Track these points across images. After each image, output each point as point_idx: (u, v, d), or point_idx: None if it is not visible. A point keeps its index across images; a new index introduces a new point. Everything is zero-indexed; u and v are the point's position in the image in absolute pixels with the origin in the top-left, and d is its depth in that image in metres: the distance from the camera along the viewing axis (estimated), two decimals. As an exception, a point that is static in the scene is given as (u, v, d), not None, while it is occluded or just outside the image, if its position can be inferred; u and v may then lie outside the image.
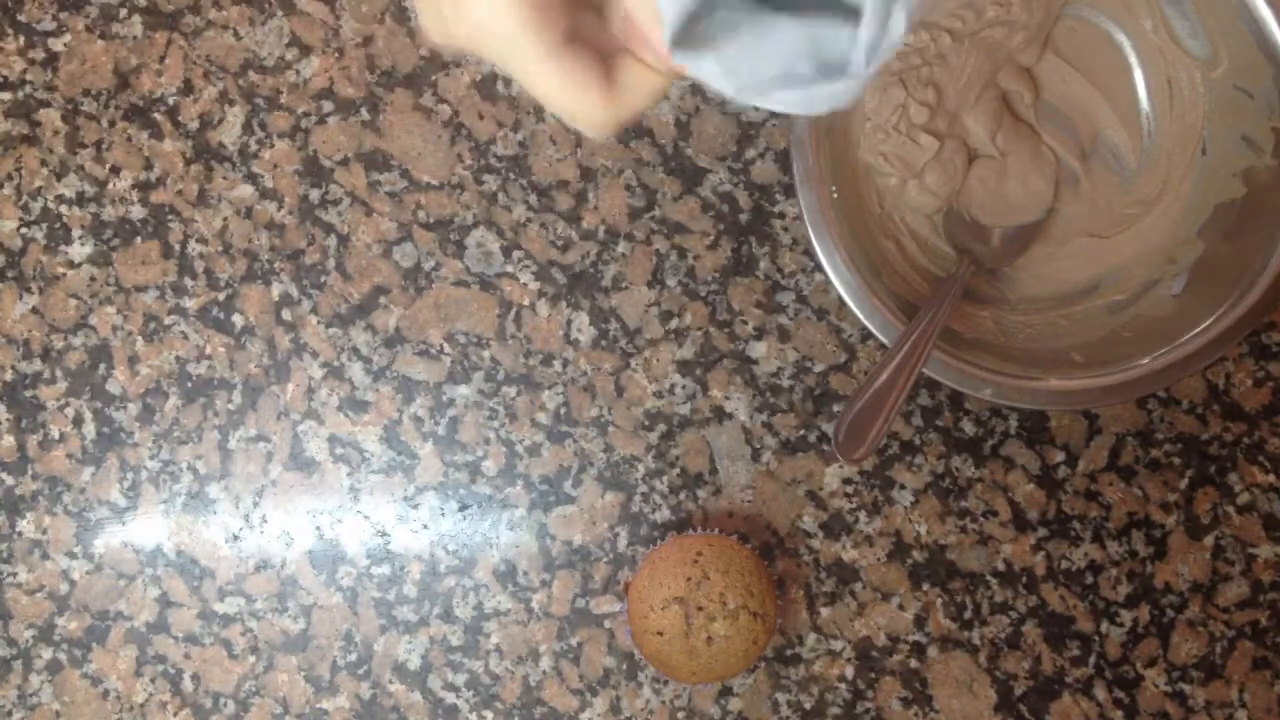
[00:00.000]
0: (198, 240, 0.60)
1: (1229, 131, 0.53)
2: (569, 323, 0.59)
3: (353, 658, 0.58)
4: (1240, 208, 0.53)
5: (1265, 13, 0.50)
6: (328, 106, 0.60)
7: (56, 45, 0.60)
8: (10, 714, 0.58)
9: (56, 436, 0.59)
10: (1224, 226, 0.53)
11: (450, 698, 0.58)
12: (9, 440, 0.59)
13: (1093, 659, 0.57)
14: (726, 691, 0.57)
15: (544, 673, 0.58)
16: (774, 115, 0.59)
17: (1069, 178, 0.56)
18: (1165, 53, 0.54)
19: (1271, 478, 0.58)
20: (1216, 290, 0.51)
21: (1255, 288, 0.50)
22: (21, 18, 0.61)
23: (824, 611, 0.58)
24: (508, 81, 0.60)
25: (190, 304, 0.59)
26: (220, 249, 0.59)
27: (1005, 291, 0.56)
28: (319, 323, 0.59)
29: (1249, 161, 0.52)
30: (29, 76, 0.60)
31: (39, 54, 0.60)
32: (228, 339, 0.59)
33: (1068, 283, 0.56)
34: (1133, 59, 0.55)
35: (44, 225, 0.60)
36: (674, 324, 0.59)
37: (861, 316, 0.51)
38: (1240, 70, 0.52)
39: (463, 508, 0.58)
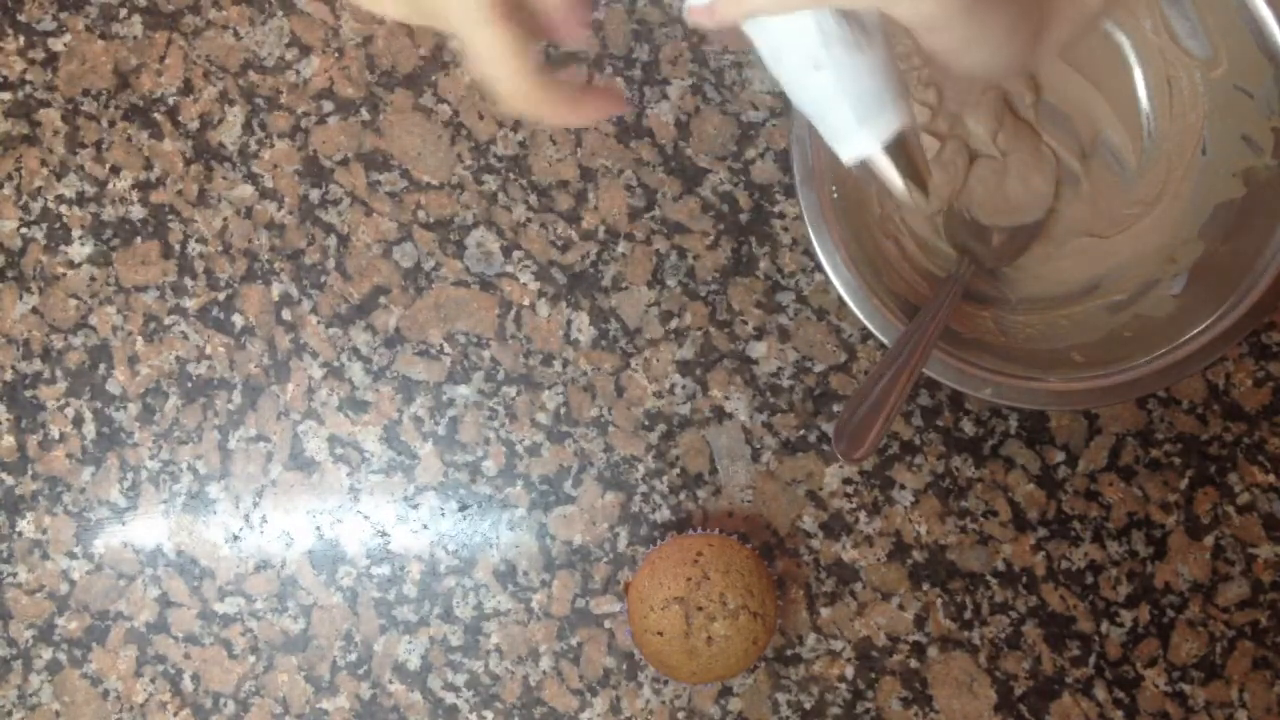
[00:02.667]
0: (198, 240, 0.60)
1: (1229, 131, 0.53)
2: (569, 323, 0.59)
3: (353, 658, 0.58)
4: (1240, 208, 0.53)
5: (1265, 13, 0.50)
6: (328, 106, 0.60)
7: (56, 45, 0.60)
8: (10, 714, 0.58)
9: (56, 436, 0.59)
10: (1224, 226, 0.53)
11: (450, 698, 0.58)
12: (9, 440, 0.59)
13: (1093, 659, 0.57)
14: (726, 691, 0.57)
15: (544, 673, 0.58)
16: (774, 114, 0.59)
17: (1069, 178, 0.56)
18: (1165, 53, 0.54)
19: (1271, 478, 0.58)
20: (1216, 290, 0.51)
21: (1255, 288, 0.50)
22: (21, 18, 0.61)
23: (824, 611, 0.58)
24: (508, 81, 0.60)
25: (190, 304, 0.59)
26: (220, 249, 0.59)
27: (1005, 291, 0.56)
28: (319, 323, 0.59)
29: (1249, 161, 0.52)
30: (29, 76, 0.60)
31: (39, 54, 0.60)
32: (228, 339, 0.59)
33: (1068, 283, 0.56)
34: (1133, 59, 0.55)
35: (44, 225, 0.60)
36: (674, 324, 0.59)
37: (861, 316, 0.51)
38: (1240, 70, 0.52)
39: (463, 508, 0.58)
